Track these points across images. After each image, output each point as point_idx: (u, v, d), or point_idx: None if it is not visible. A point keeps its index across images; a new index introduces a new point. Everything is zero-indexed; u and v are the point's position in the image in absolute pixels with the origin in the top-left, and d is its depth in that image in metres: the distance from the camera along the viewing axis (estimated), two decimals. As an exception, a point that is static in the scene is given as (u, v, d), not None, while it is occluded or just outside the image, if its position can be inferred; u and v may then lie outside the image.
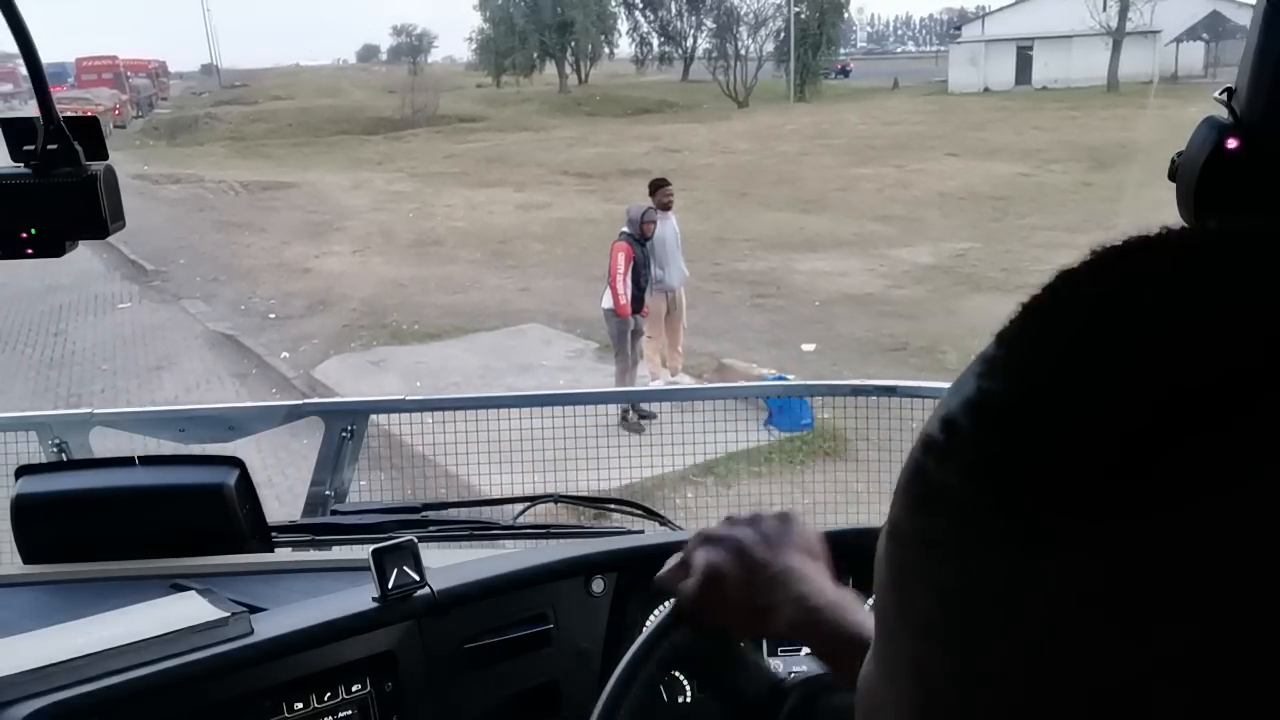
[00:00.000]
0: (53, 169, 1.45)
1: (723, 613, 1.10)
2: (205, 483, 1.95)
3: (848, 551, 1.32)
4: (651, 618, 1.69)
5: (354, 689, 1.51)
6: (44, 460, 2.82)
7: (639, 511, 2.28)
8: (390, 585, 1.52)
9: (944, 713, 0.40)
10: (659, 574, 1.15)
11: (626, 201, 21.48)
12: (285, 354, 11.80)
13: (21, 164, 1.46)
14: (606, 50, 65.58)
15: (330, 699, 1.49)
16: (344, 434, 2.90)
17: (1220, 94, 1.32)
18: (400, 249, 18.16)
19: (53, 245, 1.47)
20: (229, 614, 1.48)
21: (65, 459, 2.86)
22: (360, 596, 1.54)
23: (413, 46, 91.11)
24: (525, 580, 1.66)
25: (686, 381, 9.49)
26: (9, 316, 14.04)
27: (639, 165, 26.93)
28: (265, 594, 1.68)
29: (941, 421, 0.41)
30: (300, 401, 3.13)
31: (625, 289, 9.22)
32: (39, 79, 1.44)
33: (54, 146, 1.44)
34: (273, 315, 13.78)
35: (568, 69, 62.18)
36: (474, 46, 66.10)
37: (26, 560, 1.93)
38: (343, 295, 14.44)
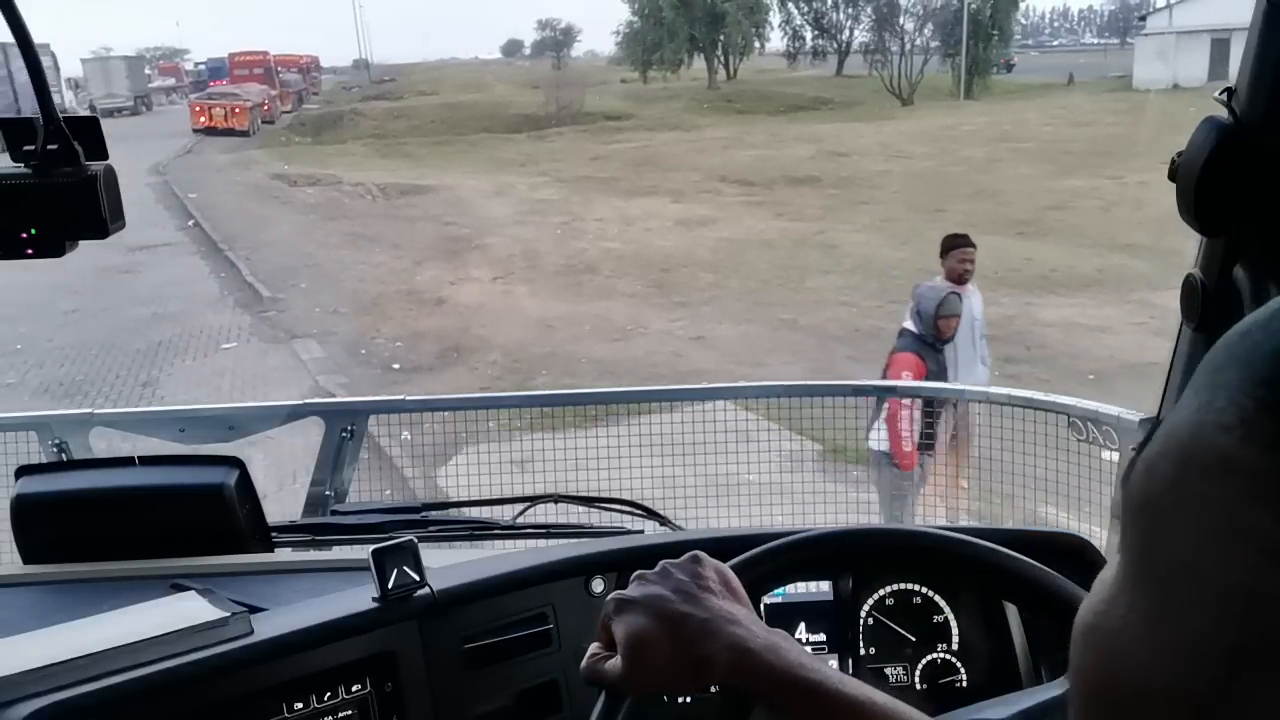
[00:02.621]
0: (53, 169, 1.51)
1: (658, 678, 1.14)
2: (205, 483, 2.04)
3: (850, 549, 1.41)
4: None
5: (354, 689, 1.56)
6: (44, 460, 2.93)
7: (639, 511, 2.35)
8: (390, 585, 1.58)
9: (1273, 637, 0.47)
10: (583, 667, 1.19)
11: (798, 215, 19.63)
12: (406, 434, 8.56)
13: (21, 164, 1.51)
14: (757, 44, 65.26)
15: (330, 699, 1.54)
16: (344, 434, 3.00)
17: (1220, 94, 1.37)
18: (547, 276, 16.91)
19: (53, 245, 1.53)
20: (229, 614, 1.53)
21: (65, 459, 2.96)
22: (360, 596, 1.60)
23: (557, 41, 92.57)
24: (525, 580, 1.72)
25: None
26: (100, 355, 13.11)
27: (805, 171, 26.41)
28: (265, 594, 1.75)
29: None
30: (300, 401, 3.21)
31: (913, 428, 5.94)
32: (39, 79, 1.51)
33: (54, 146, 1.50)
34: (396, 366, 12.58)
35: (716, 64, 62.15)
36: (619, 40, 66.45)
37: (26, 560, 2.02)
38: (481, 339, 13.19)
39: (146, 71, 72.11)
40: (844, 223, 19.75)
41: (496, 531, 2.33)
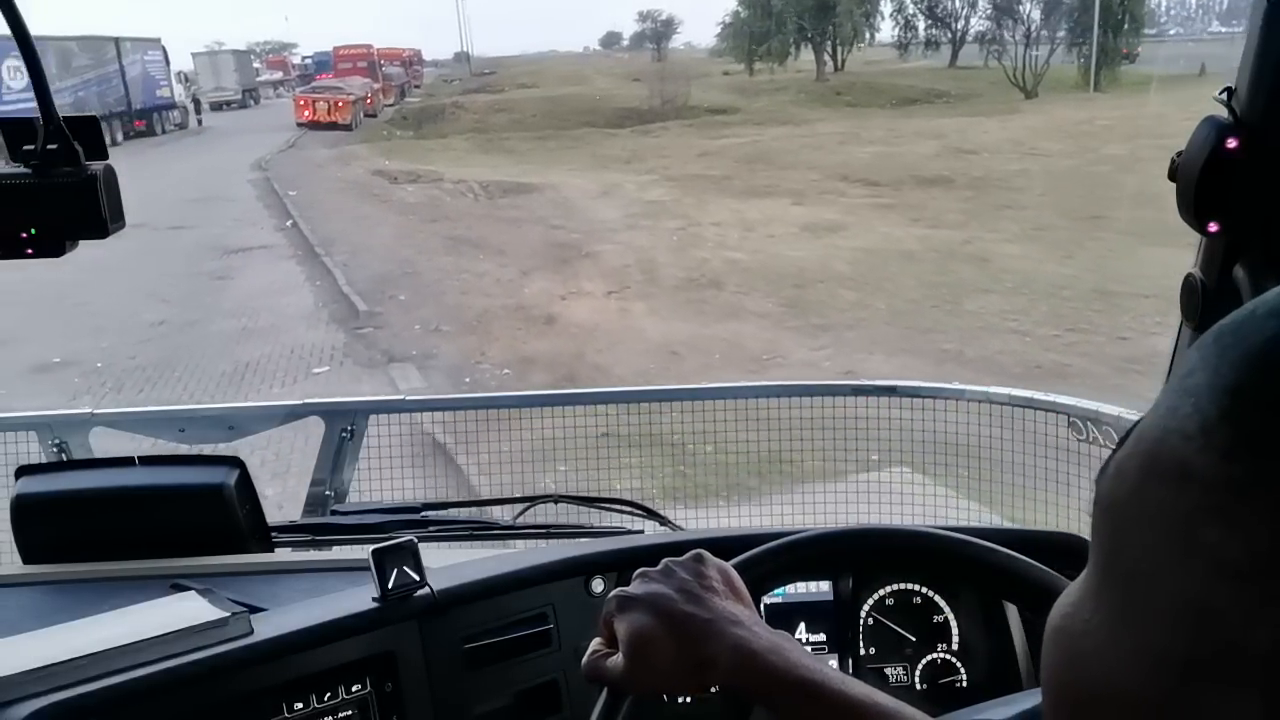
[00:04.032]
0: (53, 169, 1.54)
1: (660, 678, 1.16)
2: (205, 483, 2.10)
3: (850, 549, 1.43)
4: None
5: (354, 689, 1.61)
6: (44, 460, 2.97)
7: (639, 511, 2.38)
8: (390, 585, 1.62)
9: (1223, 652, 0.48)
10: (584, 664, 1.21)
11: (936, 221, 18.33)
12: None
13: (21, 164, 1.55)
14: (867, 34, 64.32)
15: (330, 699, 1.58)
16: (344, 434, 3.03)
17: (1220, 94, 1.38)
18: (667, 291, 15.27)
19: (53, 245, 1.57)
20: (229, 614, 1.58)
21: (65, 459, 3.01)
22: (360, 596, 1.64)
23: (657, 33, 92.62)
24: (525, 580, 1.76)
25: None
26: (184, 378, 12.13)
27: (933, 170, 25.08)
28: (265, 594, 1.80)
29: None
30: (300, 401, 3.22)
31: None
32: (38, 79, 1.54)
33: (54, 146, 1.54)
34: (505, 399, 11.12)
35: (824, 55, 61.18)
36: (721, 31, 65.89)
37: (26, 560, 2.08)
38: (597, 368, 11.75)
39: (255, 65, 74.19)
40: (990, 230, 18.49)
41: (496, 531, 2.39)
